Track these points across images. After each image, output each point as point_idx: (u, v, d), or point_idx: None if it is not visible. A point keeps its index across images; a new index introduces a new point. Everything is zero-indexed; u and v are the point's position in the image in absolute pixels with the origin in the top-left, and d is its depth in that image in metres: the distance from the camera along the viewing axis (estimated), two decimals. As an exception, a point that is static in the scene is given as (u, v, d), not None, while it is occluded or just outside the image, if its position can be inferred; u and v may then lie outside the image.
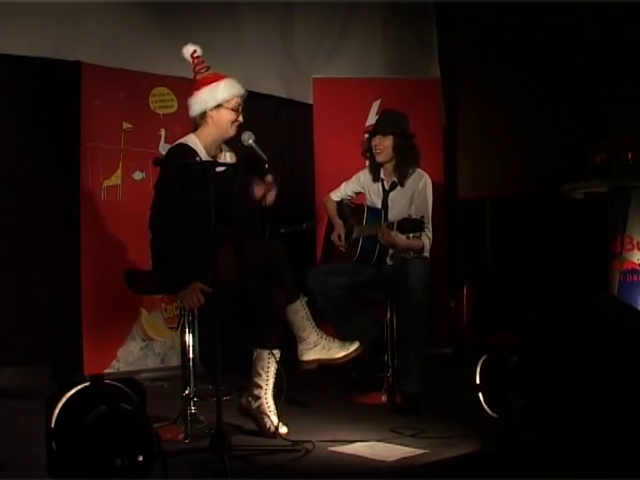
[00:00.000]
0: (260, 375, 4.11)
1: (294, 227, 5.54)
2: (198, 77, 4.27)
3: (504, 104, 7.69)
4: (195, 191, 4.03)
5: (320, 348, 4.29)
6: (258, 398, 4.08)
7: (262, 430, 4.07)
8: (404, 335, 4.78)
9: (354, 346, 4.33)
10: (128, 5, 6.04)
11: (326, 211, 5.42)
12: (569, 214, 6.80)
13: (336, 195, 5.37)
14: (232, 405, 4.23)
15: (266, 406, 4.09)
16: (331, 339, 4.33)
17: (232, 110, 4.24)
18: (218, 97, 4.20)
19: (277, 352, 4.12)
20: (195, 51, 4.26)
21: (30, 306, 5.70)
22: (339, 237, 5.18)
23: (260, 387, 4.10)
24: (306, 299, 4.36)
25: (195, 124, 4.27)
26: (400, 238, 4.66)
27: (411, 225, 4.56)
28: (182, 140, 4.25)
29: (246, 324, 4.18)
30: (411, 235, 4.61)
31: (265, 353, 4.10)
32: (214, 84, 4.22)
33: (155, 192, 4.20)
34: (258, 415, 4.08)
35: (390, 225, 4.71)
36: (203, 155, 4.17)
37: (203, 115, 4.21)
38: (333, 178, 5.78)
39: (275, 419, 4.07)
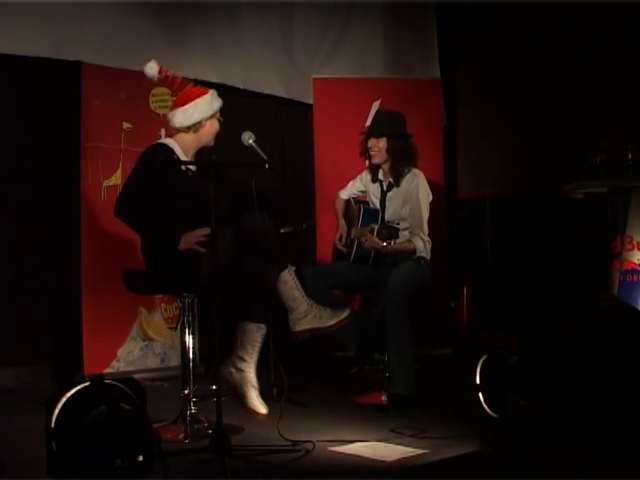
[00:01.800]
0: (246, 349, 4.11)
1: (294, 227, 5.53)
2: (178, 88, 4.41)
3: (504, 104, 7.69)
4: (170, 190, 4.18)
5: (311, 317, 4.29)
6: (242, 371, 4.07)
7: (241, 403, 4.07)
8: (386, 337, 4.77)
9: (345, 313, 4.33)
10: (129, 5, 6.04)
11: (333, 210, 5.43)
12: (569, 214, 6.80)
13: (344, 194, 5.38)
14: (232, 405, 4.23)
15: (249, 380, 4.10)
16: (322, 307, 4.33)
17: (218, 120, 4.43)
18: (214, 107, 4.40)
19: (264, 327, 4.15)
20: (162, 66, 4.36)
21: (30, 306, 5.71)
22: (340, 238, 5.19)
23: (245, 360, 4.09)
24: (294, 268, 4.36)
25: (178, 131, 4.39)
26: (381, 243, 4.68)
27: (386, 232, 4.63)
28: (161, 141, 4.42)
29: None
30: (393, 241, 4.65)
31: (254, 327, 4.12)
32: (207, 95, 4.40)
33: (124, 184, 4.39)
34: (240, 388, 4.06)
35: (372, 230, 4.78)
36: (181, 157, 4.31)
37: (197, 124, 4.35)
38: (333, 178, 5.80)
39: (257, 395, 4.08)
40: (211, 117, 4.37)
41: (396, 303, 4.68)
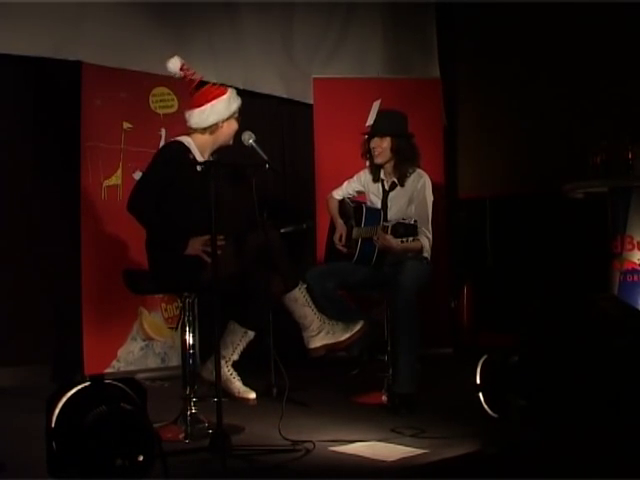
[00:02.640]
0: (227, 346, 4.20)
1: (294, 227, 5.54)
2: (196, 87, 4.36)
3: (504, 104, 7.69)
4: (184, 189, 4.15)
5: (325, 333, 4.35)
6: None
7: (229, 396, 4.17)
8: (396, 337, 4.77)
9: (358, 325, 4.39)
10: (129, 5, 6.03)
11: (328, 210, 5.42)
12: (569, 214, 6.79)
13: (338, 194, 5.36)
14: (233, 405, 4.24)
15: (228, 374, 4.21)
16: (334, 322, 4.39)
17: (236, 119, 4.38)
18: (232, 108, 4.35)
19: (252, 334, 4.23)
20: (184, 64, 4.34)
21: (30, 306, 5.70)
22: (340, 238, 5.17)
23: (223, 357, 4.16)
24: (305, 286, 4.39)
25: (195, 131, 4.34)
26: (396, 241, 4.66)
27: (404, 230, 4.56)
28: (178, 138, 4.35)
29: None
30: (410, 238, 4.62)
31: (242, 330, 4.21)
32: (224, 96, 4.35)
33: (139, 179, 4.38)
34: (223, 384, 4.07)
35: (385, 229, 4.72)
36: (197, 157, 4.26)
37: (214, 125, 4.31)
38: (333, 178, 5.78)
39: (240, 384, 4.22)
40: (228, 118, 4.33)
41: (410, 302, 4.67)
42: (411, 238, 4.61)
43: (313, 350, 4.39)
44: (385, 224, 4.79)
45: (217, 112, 4.30)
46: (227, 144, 4.39)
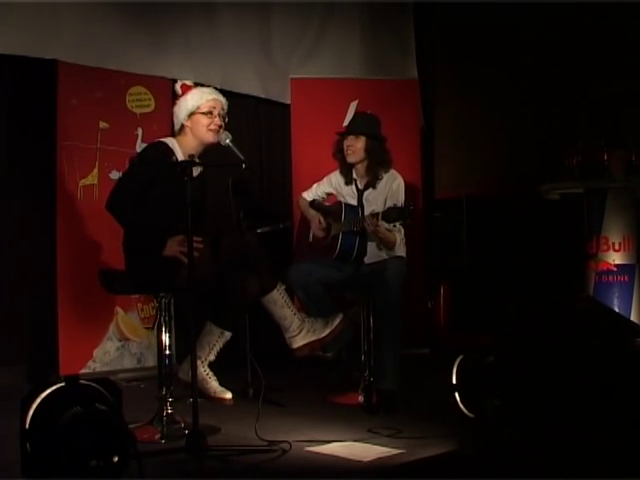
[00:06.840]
0: (203, 347, 4.24)
1: (271, 227, 5.53)
2: None
3: (482, 105, 7.72)
4: (164, 190, 4.13)
5: (305, 332, 4.36)
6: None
7: (205, 397, 4.21)
8: (381, 333, 4.78)
9: (338, 319, 4.41)
10: (105, 3, 5.99)
11: (300, 208, 5.43)
12: (545, 215, 6.83)
13: (309, 195, 5.38)
14: (209, 406, 4.23)
15: (204, 375, 4.26)
16: (313, 320, 4.39)
17: (205, 114, 4.33)
18: (188, 106, 4.35)
19: (229, 334, 4.27)
20: (184, 84, 4.44)
21: (5, 306, 5.65)
22: (319, 222, 5.16)
23: (199, 358, 4.18)
24: (284, 287, 4.39)
25: (177, 134, 4.42)
26: (382, 228, 4.71)
27: (396, 214, 4.58)
28: (162, 139, 4.38)
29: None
30: (397, 224, 4.67)
31: (218, 331, 4.24)
32: (180, 99, 4.40)
33: (119, 178, 4.44)
34: (199, 384, 4.10)
35: (376, 215, 4.72)
36: (180, 157, 4.25)
37: (181, 127, 4.37)
38: (310, 178, 5.78)
39: (216, 385, 4.27)
40: (190, 116, 4.32)
41: (397, 298, 4.69)
42: (398, 224, 4.67)
43: (297, 350, 4.40)
44: (375, 211, 4.80)
45: (177, 116, 4.38)
46: (207, 141, 4.34)
